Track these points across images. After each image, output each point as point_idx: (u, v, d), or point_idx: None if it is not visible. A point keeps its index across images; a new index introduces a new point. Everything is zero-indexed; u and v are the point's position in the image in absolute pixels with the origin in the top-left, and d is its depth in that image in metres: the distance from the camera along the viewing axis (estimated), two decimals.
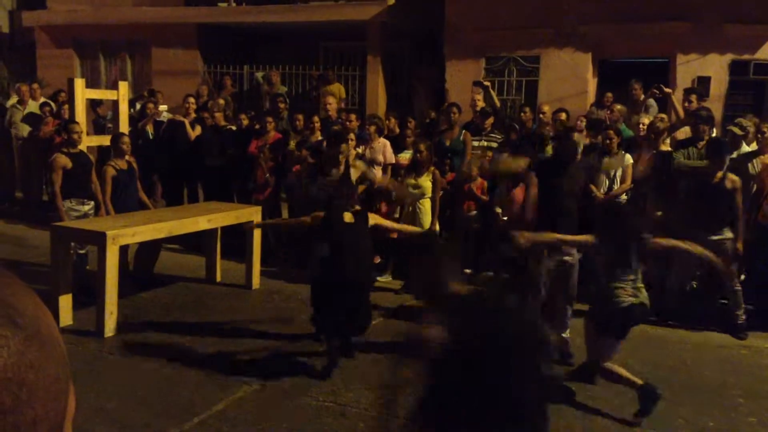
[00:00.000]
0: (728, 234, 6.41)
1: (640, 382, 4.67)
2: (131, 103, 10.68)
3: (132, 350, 5.65)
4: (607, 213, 5.09)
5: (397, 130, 8.49)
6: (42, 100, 10.92)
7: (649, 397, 4.58)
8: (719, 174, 6.38)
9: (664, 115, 7.55)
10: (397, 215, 7.68)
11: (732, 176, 6.43)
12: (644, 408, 4.58)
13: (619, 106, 8.26)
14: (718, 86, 9.34)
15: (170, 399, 4.74)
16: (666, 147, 7.20)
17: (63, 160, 6.97)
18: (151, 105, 9.64)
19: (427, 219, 7.34)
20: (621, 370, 4.76)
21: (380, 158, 8.01)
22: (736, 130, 7.25)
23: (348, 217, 5.30)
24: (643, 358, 5.76)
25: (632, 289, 4.60)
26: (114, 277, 5.92)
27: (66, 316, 6.13)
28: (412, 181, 7.34)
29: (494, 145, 8.08)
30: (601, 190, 7.20)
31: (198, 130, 9.36)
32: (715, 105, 8.66)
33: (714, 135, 7.07)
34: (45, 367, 0.66)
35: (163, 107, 9.96)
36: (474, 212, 7.82)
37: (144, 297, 7.08)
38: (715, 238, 6.35)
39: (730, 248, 6.41)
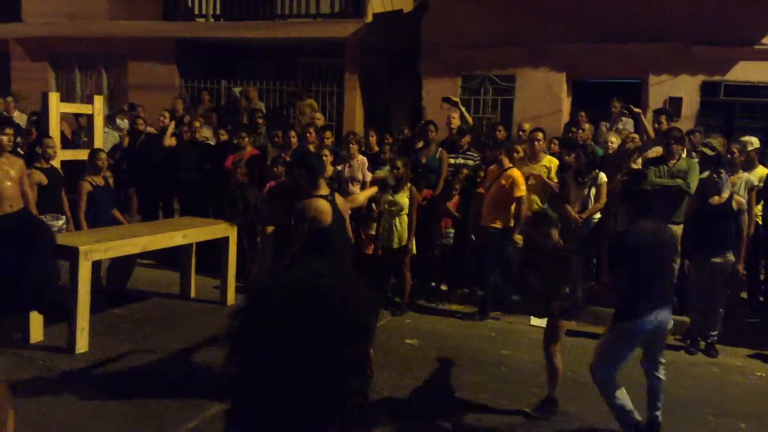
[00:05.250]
0: (730, 256, 6.48)
1: (555, 393, 5.02)
2: (111, 118, 10.64)
3: (103, 367, 5.58)
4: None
5: (377, 148, 8.54)
6: (16, 113, 10.80)
7: (547, 408, 5.00)
8: (725, 194, 6.47)
9: (635, 135, 7.68)
10: (373, 232, 7.70)
11: (738, 198, 6.53)
12: (540, 410, 5.01)
13: (588, 125, 8.40)
14: (689, 107, 9.51)
15: (141, 416, 4.68)
16: (637, 166, 7.32)
17: (38, 176, 6.90)
18: (140, 121, 9.68)
19: (404, 235, 7.37)
20: (560, 365, 5.00)
21: (359, 176, 8.05)
22: (707, 150, 7.39)
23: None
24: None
25: None
26: (86, 292, 5.85)
27: (37, 333, 6.05)
28: (390, 198, 7.37)
29: (471, 162, 8.16)
30: (576, 209, 7.30)
31: (173, 141, 9.35)
32: (686, 125, 8.81)
33: (685, 155, 7.18)
34: None
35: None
36: (451, 229, 7.88)
37: (117, 313, 7.00)
38: (717, 260, 6.44)
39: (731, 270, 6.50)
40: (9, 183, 5.92)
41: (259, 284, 1.18)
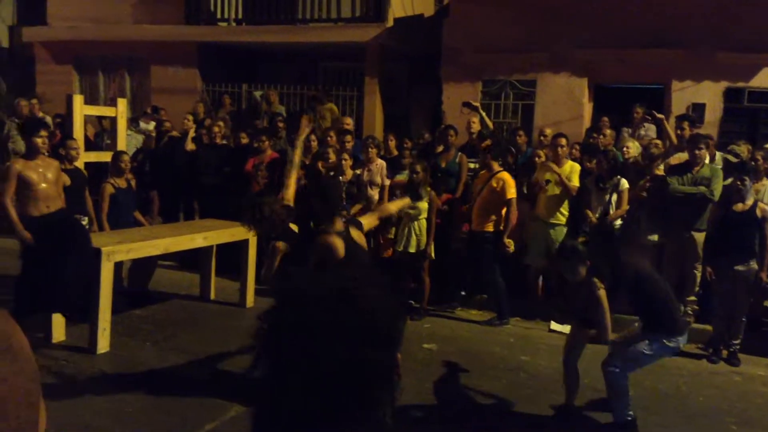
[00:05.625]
0: (753, 264, 6.40)
1: (573, 401, 5.06)
2: (135, 121, 10.74)
3: (124, 368, 5.63)
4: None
5: (396, 152, 8.54)
6: (40, 115, 10.94)
7: (565, 415, 5.04)
8: (749, 202, 6.40)
9: (658, 141, 7.63)
10: (392, 236, 7.70)
11: (762, 205, 6.45)
12: (558, 417, 5.04)
13: (609, 131, 8.35)
14: (713, 113, 9.43)
15: (161, 417, 4.71)
16: (660, 172, 7.26)
17: (63, 177, 6.97)
18: (167, 124, 9.76)
19: (422, 239, 7.36)
20: (578, 373, 5.05)
21: (378, 180, 8.06)
22: (730, 157, 7.32)
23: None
24: (637, 383, 5.75)
25: None
26: (108, 293, 5.90)
27: (59, 332, 6.12)
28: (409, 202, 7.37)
29: None
30: (596, 215, 7.25)
31: (193, 146, 9.43)
32: (709, 132, 8.72)
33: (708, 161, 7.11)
34: (16, 380, 0.68)
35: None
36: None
37: (138, 314, 7.06)
38: (740, 268, 6.37)
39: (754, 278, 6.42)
40: (45, 185, 5.97)
41: (289, 287, 1.18)
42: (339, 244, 4.79)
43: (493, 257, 7.34)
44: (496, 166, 7.37)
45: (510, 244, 7.29)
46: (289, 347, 1.10)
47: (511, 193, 7.21)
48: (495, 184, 7.27)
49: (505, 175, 7.29)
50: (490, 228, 7.34)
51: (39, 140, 5.95)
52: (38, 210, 5.87)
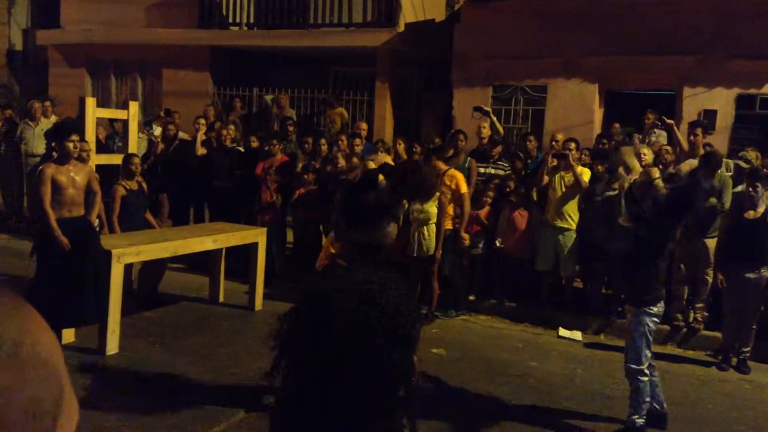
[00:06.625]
0: (765, 272, 6.36)
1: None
2: (148, 124, 10.80)
3: (133, 369, 5.64)
4: None
5: (405, 156, 8.55)
6: (53, 117, 11.00)
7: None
8: (761, 209, 6.35)
9: (669, 147, 7.59)
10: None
11: None
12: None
13: (620, 137, 8.32)
14: (724, 120, 9.38)
15: (169, 419, 4.73)
16: None
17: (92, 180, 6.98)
18: (171, 127, 9.79)
19: (431, 244, 7.36)
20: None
21: None
22: (742, 163, 7.28)
23: None
24: None
25: None
26: (118, 295, 5.93)
27: (68, 334, 6.13)
28: (418, 207, 7.37)
29: (501, 172, 8.13)
30: None
31: (203, 150, 9.46)
32: (721, 138, 8.70)
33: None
34: (19, 390, 0.65)
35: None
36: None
37: (147, 316, 7.08)
38: (751, 275, 6.34)
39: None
40: (72, 190, 5.93)
41: (311, 288, 1.19)
42: None
43: (453, 252, 7.61)
44: (442, 166, 7.59)
45: (466, 238, 7.65)
46: (311, 347, 1.10)
47: (464, 188, 7.51)
48: (448, 182, 7.49)
49: (455, 172, 7.59)
50: (448, 225, 7.55)
51: (70, 144, 5.91)
52: (59, 214, 5.87)
